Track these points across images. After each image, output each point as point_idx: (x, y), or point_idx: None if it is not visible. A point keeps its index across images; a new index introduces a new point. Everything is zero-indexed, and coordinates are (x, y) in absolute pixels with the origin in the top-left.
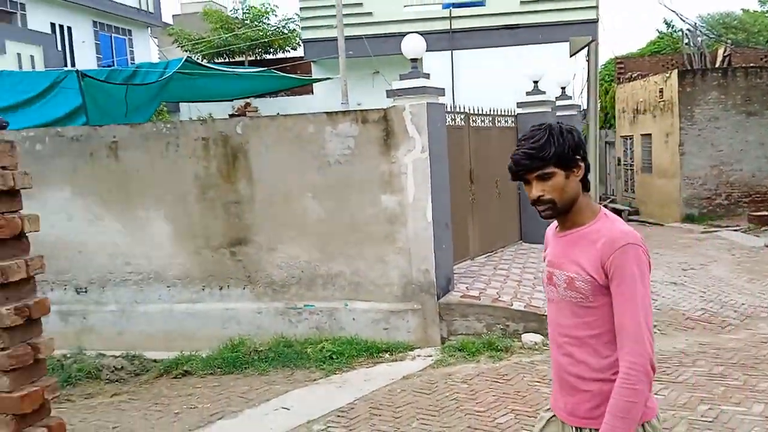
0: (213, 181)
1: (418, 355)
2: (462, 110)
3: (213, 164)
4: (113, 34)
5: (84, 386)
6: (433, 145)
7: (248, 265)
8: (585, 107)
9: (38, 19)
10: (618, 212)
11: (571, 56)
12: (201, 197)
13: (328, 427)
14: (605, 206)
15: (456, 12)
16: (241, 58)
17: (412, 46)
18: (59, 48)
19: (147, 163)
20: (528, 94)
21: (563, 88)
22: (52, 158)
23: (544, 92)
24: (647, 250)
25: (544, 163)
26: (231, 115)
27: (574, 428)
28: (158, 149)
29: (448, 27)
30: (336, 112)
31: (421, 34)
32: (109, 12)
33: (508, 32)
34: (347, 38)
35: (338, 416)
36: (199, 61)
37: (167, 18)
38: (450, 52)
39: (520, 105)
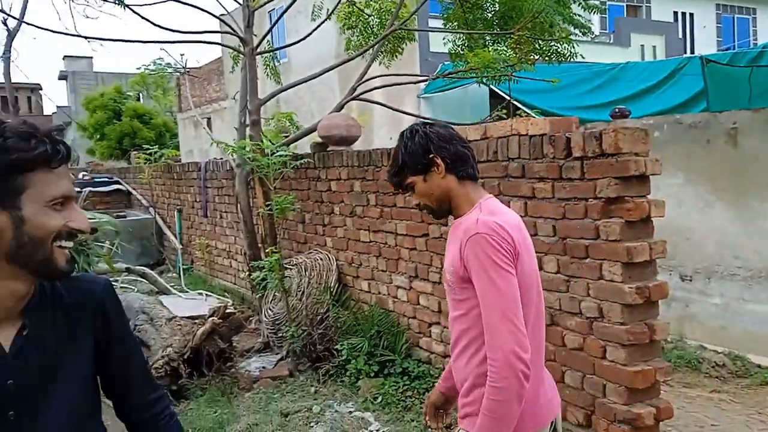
0: None
1: None
2: None
3: None
4: (735, 15)
5: (683, 374)
6: None
7: None
8: None
9: (661, 10)
10: None
11: None
12: None
13: None
14: None
15: None
16: None
17: None
18: (680, 35)
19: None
20: None
21: None
22: (668, 144)
23: None
24: (503, 237)
25: (401, 178)
26: None
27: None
28: None
29: None
30: None
31: None
32: None
33: None
34: None
35: None
36: None
37: None
38: None
39: None
